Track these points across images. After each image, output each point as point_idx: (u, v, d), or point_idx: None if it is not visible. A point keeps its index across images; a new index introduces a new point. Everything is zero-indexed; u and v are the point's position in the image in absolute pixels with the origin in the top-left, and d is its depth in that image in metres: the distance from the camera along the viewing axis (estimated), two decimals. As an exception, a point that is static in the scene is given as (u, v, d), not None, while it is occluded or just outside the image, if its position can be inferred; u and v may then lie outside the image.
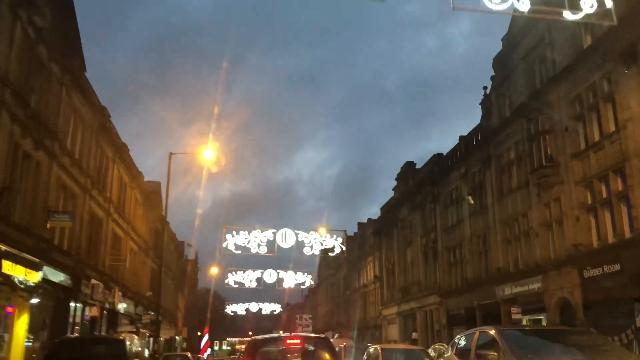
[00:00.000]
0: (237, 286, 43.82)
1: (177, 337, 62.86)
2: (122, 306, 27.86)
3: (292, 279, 44.62)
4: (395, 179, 43.64)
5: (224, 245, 30.23)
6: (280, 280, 44.44)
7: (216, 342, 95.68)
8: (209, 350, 53.67)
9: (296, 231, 31.03)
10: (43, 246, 17.30)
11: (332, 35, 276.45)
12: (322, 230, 31.52)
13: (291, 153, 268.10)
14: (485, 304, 26.76)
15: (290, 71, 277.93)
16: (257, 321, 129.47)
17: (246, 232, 30.60)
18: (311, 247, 31.04)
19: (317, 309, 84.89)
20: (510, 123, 25.06)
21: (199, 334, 76.52)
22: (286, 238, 30.75)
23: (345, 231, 31.66)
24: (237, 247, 30.36)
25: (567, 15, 10.52)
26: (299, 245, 30.92)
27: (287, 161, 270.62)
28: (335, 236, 31.57)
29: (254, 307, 67.70)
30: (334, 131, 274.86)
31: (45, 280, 17.69)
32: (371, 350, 15.99)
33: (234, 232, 30.59)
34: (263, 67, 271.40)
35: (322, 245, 31.41)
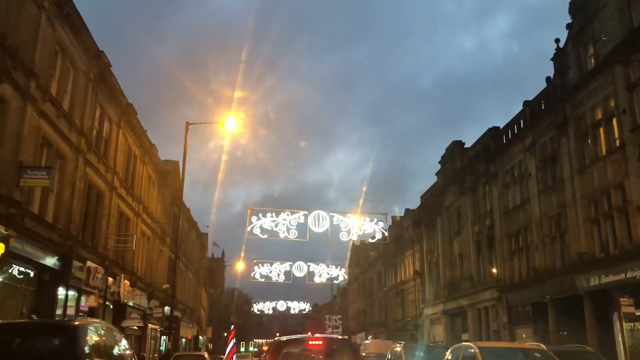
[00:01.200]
0: (263, 280, 39.93)
1: (200, 337, 59.25)
2: (130, 297, 23.97)
3: (324, 273, 40.54)
4: (439, 162, 39.07)
5: (248, 229, 26.19)
6: (310, 274, 40.35)
7: (242, 343, 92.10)
8: (234, 358, 49.96)
9: (331, 213, 26.88)
10: (12, 211, 13.39)
11: (367, 37, 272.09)
12: (355, 218, 27.17)
13: (323, 156, 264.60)
14: (562, 298, 22.12)
15: (324, 73, 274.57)
16: (285, 321, 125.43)
17: (273, 215, 26.50)
18: (348, 232, 26.81)
19: (347, 309, 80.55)
20: (596, 74, 20.38)
21: (225, 334, 72.91)
22: (319, 222, 26.58)
23: (386, 215, 27.29)
24: (263, 231, 26.29)
25: None
26: (334, 229, 26.76)
27: (318, 164, 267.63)
28: (375, 220, 27.24)
29: (281, 305, 63.46)
30: (366, 133, 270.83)
31: (16, 256, 13.79)
32: (460, 351, 11.54)
33: (260, 215, 26.51)
34: (297, 69, 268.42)
35: (360, 230, 27.13)
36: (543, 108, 24.34)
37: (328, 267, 40.48)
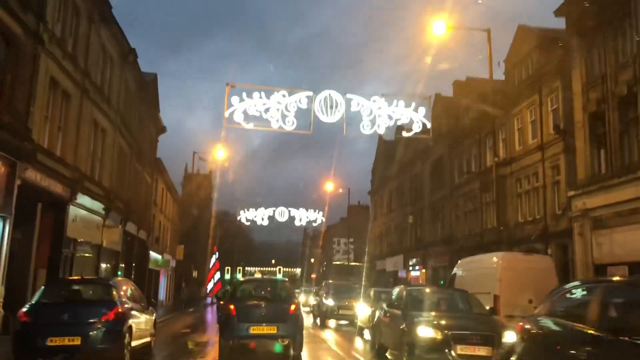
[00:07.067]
0: (253, 126, 18.75)
1: (157, 255, 39.09)
2: None
3: (388, 114, 19.42)
4: None
5: None
6: (350, 127, 19.23)
7: (227, 269, 72.37)
8: (217, 274, 30.75)
9: None
10: None
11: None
12: None
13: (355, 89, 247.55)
14: None
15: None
16: (282, 253, 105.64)
17: None
18: None
19: (366, 228, 59.83)
20: None
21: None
22: None
23: None
24: None
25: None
26: None
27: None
28: None
29: (282, 214, 42.33)
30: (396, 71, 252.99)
31: None
32: None
33: None
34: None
35: None
36: None
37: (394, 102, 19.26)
